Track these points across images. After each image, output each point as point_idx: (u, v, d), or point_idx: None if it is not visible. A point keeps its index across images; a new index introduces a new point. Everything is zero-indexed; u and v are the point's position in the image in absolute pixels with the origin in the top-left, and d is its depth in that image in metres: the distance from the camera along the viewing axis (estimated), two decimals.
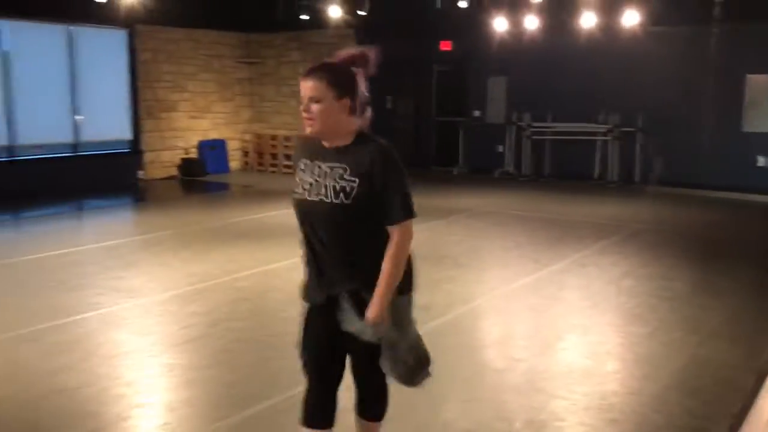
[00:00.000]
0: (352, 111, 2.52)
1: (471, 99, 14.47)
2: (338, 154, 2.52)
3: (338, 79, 2.49)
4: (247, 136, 15.04)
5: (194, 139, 14.01)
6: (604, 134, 12.61)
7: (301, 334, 2.68)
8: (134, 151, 13.06)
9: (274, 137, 14.76)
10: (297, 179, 2.59)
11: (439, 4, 10.83)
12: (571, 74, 12.50)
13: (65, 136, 12.06)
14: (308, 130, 2.51)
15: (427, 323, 4.80)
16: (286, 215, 9.35)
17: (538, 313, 5.47)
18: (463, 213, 9.61)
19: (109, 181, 12.11)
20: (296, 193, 2.56)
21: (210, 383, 4.13)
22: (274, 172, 14.47)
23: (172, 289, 5.97)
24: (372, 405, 2.76)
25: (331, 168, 2.50)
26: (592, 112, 12.68)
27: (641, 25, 10.78)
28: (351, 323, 2.51)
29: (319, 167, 2.53)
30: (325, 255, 2.54)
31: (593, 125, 12.69)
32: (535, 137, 13.47)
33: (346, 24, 12.85)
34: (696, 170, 11.64)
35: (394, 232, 2.49)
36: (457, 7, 11.05)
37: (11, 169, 11.18)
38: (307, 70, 2.52)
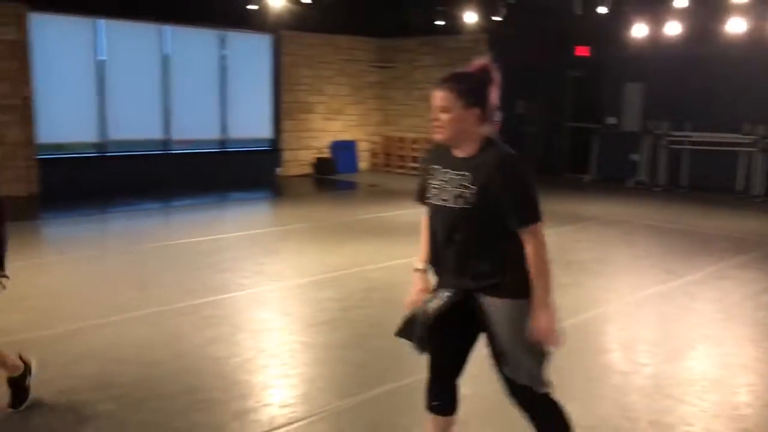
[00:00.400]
0: (481, 120, 2.61)
1: (606, 105, 14.17)
2: (464, 162, 2.62)
3: (467, 89, 2.57)
4: (376, 138, 15.52)
5: (327, 140, 14.65)
6: (749, 146, 11.96)
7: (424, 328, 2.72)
8: (274, 149, 13.85)
9: (401, 140, 15.15)
10: (428, 184, 2.72)
11: (579, 10, 10.68)
12: (714, 82, 11.98)
13: (214, 133, 13.00)
14: (437, 138, 2.64)
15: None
16: (410, 215, 9.70)
17: (668, 322, 5.38)
18: (594, 220, 9.49)
19: (251, 176, 12.95)
20: (428, 197, 2.72)
21: (343, 362, 4.44)
22: (400, 173, 14.83)
23: (309, 276, 6.39)
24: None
25: (457, 175, 2.61)
26: (735, 122, 12.07)
27: None
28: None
29: (447, 173, 2.65)
30: (445, 255, 2.70)
31: (737, 136, 12.07)
32: (672, 146, 13.00)
33: (480, 29, 12.98)
34: None
35: (525, 237, 2.57)
36: (596, 12, 10.86)
37: (165, 161, 12.21)
38: (440, 80, 2.62)
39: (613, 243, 8.34)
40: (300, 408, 3.75)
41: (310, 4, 11.12)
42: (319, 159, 14.35)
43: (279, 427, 3.51)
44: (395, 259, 7.13)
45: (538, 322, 2.58)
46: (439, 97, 2.58)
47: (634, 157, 13.60)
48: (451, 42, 14.33)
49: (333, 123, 14.74)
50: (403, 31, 14.60)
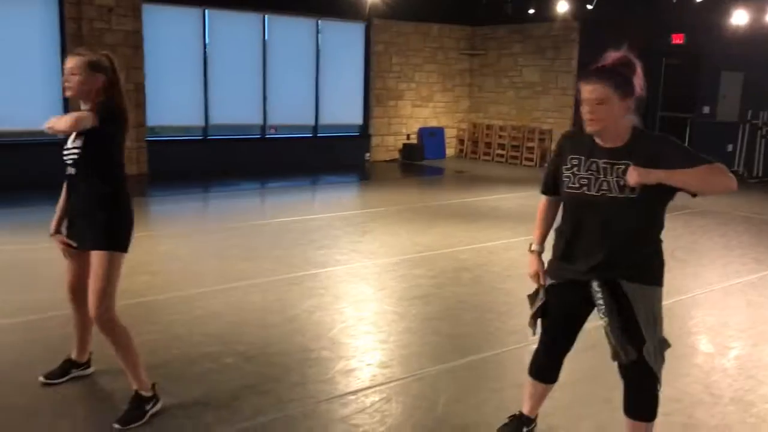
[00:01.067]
0: (631, 110, 2.74)
1: (700, 95, 13.86)
2: (619, 151, 2.70)
3: (621, 82, 2.67)
4: (464, 125, 15.72)
5: (415, 126, 14.97)
6: None
7: (542, 305, 2.99)
8: (364, 135, 14.29)
9: (489, 127, 15.30)
10: (568, 174, 2.81)
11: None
12: None
13: (308, 119, 13.55)
14: (589, 129, 2.71)
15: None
16: (496, 200, 9.90)
17: (756, 309, 5.45)
18: (685, 210, 9.42)
19: (342, 160, 13.45)
20: (571, 187, 2.80)
21: (436, 333, 4.77)
22: (487, 160, 15.01)
23: (402, 255, 6.76)
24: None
25: (612, 164, 2.69)
26: None
27: None
28: (604, 315, 2.80)
29: (596, 164, 2.73)
30: (592, 242, 2.78)
31: None
32: None
33: (571, 17, 12.94)
34: None
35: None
36: (693, 0, 10.68)
37: (262, 145, 12.86)
38: (588, 73, 2.71)
39: (703, 232, 8.30)
40: (397, 369, 4.11)
41: None
42: (406, 145, 14.70)
43: (379, 384, 3.89)
44: (483, 242, 7.40)
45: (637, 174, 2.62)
46: (594, 89, 2.66)
47: (730, 147, 13.28)
48: (540, 30, 14.35)
49: (421, 110, 15.04)
50: (493, 19, 14.70)
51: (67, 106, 10.66)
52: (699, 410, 3.69)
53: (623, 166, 2.67)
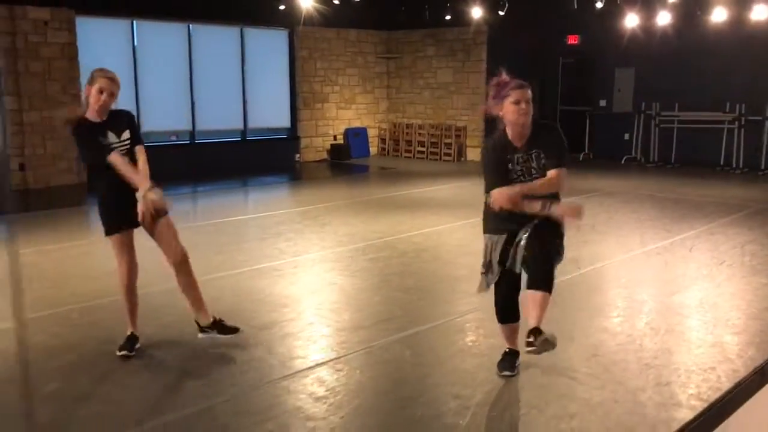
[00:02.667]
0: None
1: (597, 89, 15.33)
2: (529, 143, 3.80)
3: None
4: (384, 125, 16.57)
5: (341, 127, 15.68)
6: (731, 123, 13.19)
7: (496, 257, 3.88)
8: (292, 137, 14.86)
9: (408, 125, 16.23)
10: (506, 167, 3.81)
11: (575, 5, 11.77)
12: (699, 66, 13.17)
13: (237, 123, 13.98)
14: (521, 121, 3.75)
15: (578, 271, 6.06)
16: (430, 191, 10.76)
17: (671, 267, 6.53)
18: (596, 192, 10.62)
19: (273, 162, 13.95)
20: (515, 176, 3.81)
21: (411, 302, 5.52)
22: (408, 157, 15.91)
23: (364, 241, 7.47)
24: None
25: (529, 154, 3.81)
26: (718, 102, 13.29)
27: None
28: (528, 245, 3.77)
29: (520, 156, 3.82)
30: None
31: (720, 114, 13.29)
32: (663, 125, 14.20)
33: (480, 22, 13.98)
34: None
35: (559, 173, 3.78)
36: (593, 5, 11.95)
37: (192, 150, 13.14)
38: (520, 84, 3.78)
39: (616, 209, 9.47)
40: (403, 322, 4.83)
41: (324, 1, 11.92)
42: (333, 145, 15.38)
43: (395, 334, 4.60)
44: (430, 227, 8.23)
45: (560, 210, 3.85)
46: (526, 92, 3.77)
47: (626, 136, 14.83)
48: (452, 34, 15.39)
49: (345, 111, 15.76)
50: (407, 24, 15.59)
51: (2, 117, 10.73)
52: (643, 339, 4.64)
53: (536, 153, 3.81)
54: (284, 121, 14.79)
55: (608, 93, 15.26)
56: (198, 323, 4.50)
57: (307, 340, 4.70)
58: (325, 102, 15.31)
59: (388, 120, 16.65)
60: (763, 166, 12.97)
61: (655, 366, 4.21)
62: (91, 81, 4.29)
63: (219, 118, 13.70)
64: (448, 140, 15.51)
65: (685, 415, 3.57)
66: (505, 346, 4.15)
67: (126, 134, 4.35)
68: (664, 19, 12.56)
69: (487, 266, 3.95)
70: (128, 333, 4.46)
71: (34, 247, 7.23)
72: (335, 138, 15.56)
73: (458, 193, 11.17)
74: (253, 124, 14.24)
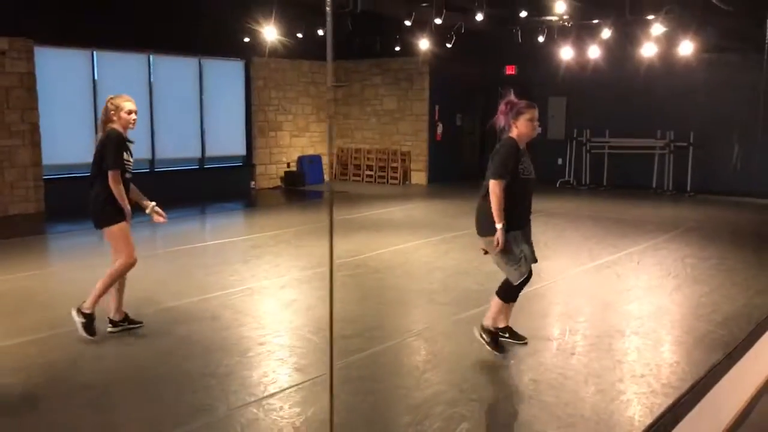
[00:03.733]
0: None
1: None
2: (527, 148, 4.79)
3: None
4: (334, 151, 17.08)
5: (295, 155, 16.09)
6: (661, 149, 14.33)
7: (520, 250, 4.71)
8: (247, 164, 15.17)
9: (357, 150, 16.81)
10: (520, 167, 4.68)
11: (519, 39, 12.65)
12: (630, 96, 14.29)
13: (195, 152, 14.21)
14: (534, 134, 4.78)
15: (539, 284, 6.70)
16: (387, 213, 11.33)
17: (623, 279, 7.25)
18: (539, 213, 11.32)
19: (228, 189, 14.22)
20: (524, 174, 4.72)
21: (392, 307, 6.02)
22: (357, 180, 16.47)
23: (340, 259, 7.90)
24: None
25: (528, 157, 4.78)
26: (649, 129, 14.43)
27: (695, 53, 12.43)
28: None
29: (526, 159, 4.77)
30: (527, 204, 4.83)
31: (651, 141, 14.42)
32: (593, 151, 15.24)
33: (424, 53, 14.67)
34: (736, 179, 13.35)
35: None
36: (531, 38, 12.83)
37: (151, 178, 13.27)
38: (532, 104, 4.74)
39: (562, 228, 10.24)
40: (396, 327, 5.31)
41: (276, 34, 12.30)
42: (287, 172, 15.76)
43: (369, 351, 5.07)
44: (395, 246, 8.79)
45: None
46: (536, 111, 4.78)
47: (560, 161, 15.85)
48: (397, 63, 16.12)
49: (299, 139, 16.19)
50: (355, 54, 16.19)
51: None
52: (611, 341, 5.28)
53: (529, 156, 4.84)
54: (240, 149, 15.10)
55: (542, 120, 16.22)
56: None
57: (342, 338, 5.12)
58: (279, 130, 15.71)
59: (337, 146, 17.17)
60: (689, 188, 14.13)
61: (627, 362, 4.84)
62: (117, 107, 5.12)
63: (178, 146, 13.90)
64: (394, 164, 16.16)
65: (663, 401, 4.18)
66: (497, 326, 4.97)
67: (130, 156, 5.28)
68: (594, 53, 13.58)
69: (521, 259, 4.75)
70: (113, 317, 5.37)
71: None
72: (288, 165, 15.95)
73: (411, 214, 11.78)
74: (210, 152, 14.49)
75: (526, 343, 5.03)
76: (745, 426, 4.74)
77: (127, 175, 5.23)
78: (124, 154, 5.15)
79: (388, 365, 4.85)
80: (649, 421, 3.90)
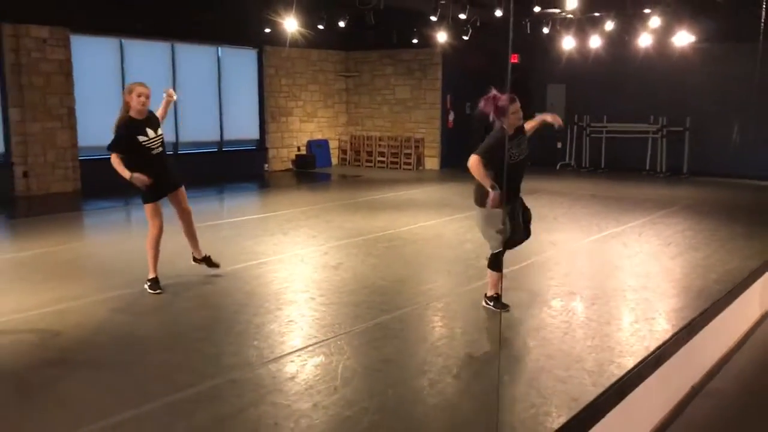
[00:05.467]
0: None
1: (532, 103, 17.14)
2: (516, 132, 5.39)
3: None
4: (345, 137, 17.84)
5: (304, 139, 16.84)
6: (654, 133, 15.22)
7: (509, 222, 5.43)
8: (261, 148, 15.91)
9: (368, 137, 17.57)
10: (508, 154, 5.33)
11: (528, 30, 13.44)
12: (626, 83, 15.16)
13: (214, 135, 14.93)
14: (517, 123, 5.39)
15: (555, 250, 7.52)
16: (406, 194, 12.20)
17: (629, 247, 8.10)
18: (543, 192, 12.21)
19: (244, 172, 14.96)
20: (512, 159, 5.39)
21: (435, 270, 6.84)
22: (369, 166, 17.23)
23: (372, 233, 8.72)
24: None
25: (520, 139, 5.44)
26: (643, 114, 15.32)
27: (690, 43, 13.29)
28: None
29: (514, 142, 5.40)
30: (516, 185, 5.52)
31: (645, 125, 15.32)
32: (593, 135, 16.12)
33: (434, 44, 15.41)
34: (730, 161, 14.27)
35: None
36: (535, 28, 13.63)
37: (177, 160, 13.99)
38: (512, 98, 5.34)
39: (567, 206, 11.08)
40: (445, 283, 6.12)
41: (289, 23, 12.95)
42: (298, 156, 16.51)
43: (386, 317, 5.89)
44: (423, 222, 9.57)
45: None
46: (518, 104, 5.37)
47: (559, 144, 16.73)
48: (409, 55, 16.86)
49: (308, 124, 16.94)
50: (365, 45, 16.93)
51: (8, 127, 11.38)
52: (625, 293, 6.13)
53: (521, 137, 5.47)
54: (254, 133, 15.83)
55: (542, 106, 17.09)
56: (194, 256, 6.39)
57: (396, 293, 5.92)
58: (289, 116, 16.44)
59: (348, 132, 17.92)
60: (685, 170, 15.04)
61: (639, 309, 5.68)
62: (129, 91, 5.87)
63: (198, 130, 14.60)
64: (407, 150, 16.93)
65: (670, 335, 5.03)
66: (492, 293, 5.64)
67: (160, 130, 6.05)
68: (595, 42, 14.40)
69: (504, 229, 5.40)
70: (151, 276, 6.02)
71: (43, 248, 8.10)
72: (299, 149, 16.70)
73: (430, 195, 12.58)
74: (228, 136, 15.20)
75: (507, 310, 5.57)
76: (741, 352, 5.64)
77: (153, 152, 5.95)
78: (139, 136, 5.83)
79: (443, 313, 5.67)
80: (655, 345, 4.75)
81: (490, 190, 5.25)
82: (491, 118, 5.39)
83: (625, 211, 10.52)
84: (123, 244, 8.25)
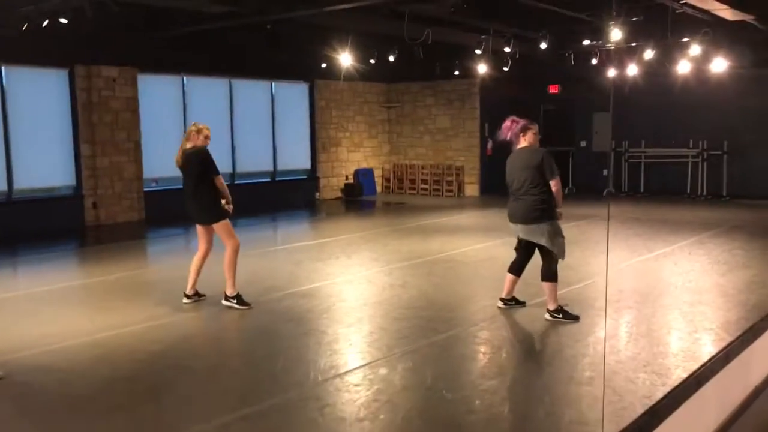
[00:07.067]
0: None
1: (578, 131, 17.57)
2: None
3: None
4: (387, 166, 18.42)
5: (351, 168, 17.46)
6: (695, 157, 15.51)
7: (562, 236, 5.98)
8: (312, 177, 16.54)
9: (411, 166, 18.13)
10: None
11: (572, 62, 13.90)
12: (666, 109, 15.53)
13: (268, 166, 15.61)
14: (537, 145, 6.10)
15: (609, 269, 7.91)
16: (454, 219, 12.73)
17: (680, 265, 8.44)
18: (590, 218, 12.57)
19: (297, 200, 15.57)
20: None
21: (494, 289, 7.26)
22: (412, 193, 17.75)
23: (429, 256, 9.19)
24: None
25: None
26: (683, 138, 15.65)
27: (728, 68, 13.64)
28: None
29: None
30: None
31: (685, 149, 15.62)
32: (631, 161, 16.46)
33: (474, 74, 15.90)
34: None
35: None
36: (581, 60, 14.10)
37: (234, 189, 14.63)
38: (532, 122, 6.13)
39: (614, 229, 11.43)
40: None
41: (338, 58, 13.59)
42: (347, 184, 17.12)
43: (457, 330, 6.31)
44: (474, 245, 10.01)
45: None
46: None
47: (605, 172, 17.09)
48: (448, 86, 17.45)
49: (354, 154, 17.56)
50: (407, 77, 17.53)
51: (79, 162, 12.12)
52: (682, 306, 6.48)
53: None
54: (305, 163, 16.48)
55: (589, 134, 17.52)
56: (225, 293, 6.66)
57: (463, 308, 6.36)
58: (338, 146, 17.08)
59: (390, 161, 18.50)
60: (725, 193, 15.28)
61: (697, 320, 6.04)
62: (198, 131, 6.67)
63: (253, 161, 15.30)
64: (449, 178, 17.43)
65: (721, 344, 5.38)
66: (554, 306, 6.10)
67: None
68: (633, 70, 14.81)
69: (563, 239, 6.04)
70: (235, 293, 6.62)
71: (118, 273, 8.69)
72: (347, 178, 17.31)
73: (476, 221, 13.02)
74: (281, 166, 15.88)
75: (578, 320, 6.04)
76: None
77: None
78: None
79: (512, 324, 6.10)
80: (715, 351, 5.11)
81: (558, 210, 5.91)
82: (508, 138, 6.19)
83: (672, 232, 10.84)
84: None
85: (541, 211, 5.97)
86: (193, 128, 6.69)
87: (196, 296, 6.84)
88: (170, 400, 4.56)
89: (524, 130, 6.13)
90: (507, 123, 6.21)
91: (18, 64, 11.41)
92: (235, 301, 6.58)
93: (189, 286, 6.81)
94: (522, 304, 6.52)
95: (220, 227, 6.63)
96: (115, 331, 5.94)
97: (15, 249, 10.31)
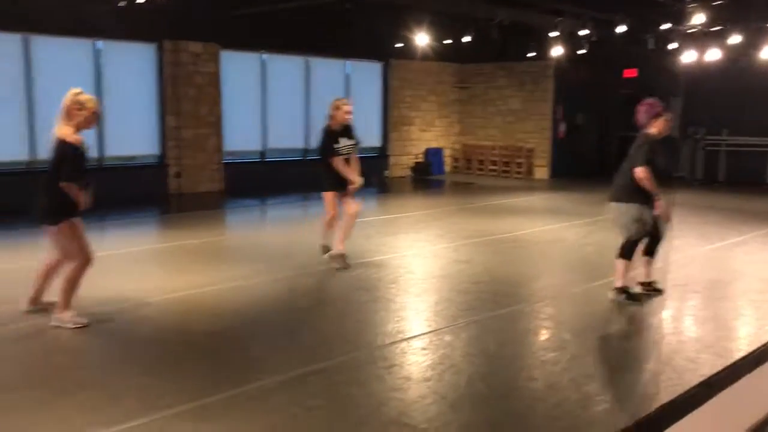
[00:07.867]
0: None
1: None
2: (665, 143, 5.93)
3: None
4: (457, 146, 18.54)
5: (422, 147, 17.66)
6: None
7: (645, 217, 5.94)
8: (382, 155, 16.84)
9: (481, 147, 18.19)
10: (657, 159, 5.84)
11: (652, 45, 13.63)
12: (749, 95, 15.05)
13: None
14: (669, 132, 5.95)
15: (679, 254, 7.89)
16: (525, 201, 12.73)
17: (752, 254, 8.35)
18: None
19: (367, 177, 15.83)
20: (661, 165, 5.87)
21: (560, 269, 7.39)
22: (481, 174, 17.83)
23: (497, 234, 9.36)
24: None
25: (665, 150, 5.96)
26: (763, 127, 15.17)
27: None
28: None
29: (661, 151, 5.93)
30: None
31: (766, 139, 15.16)
32: (708, 148, 16.06)
33: (547, 56, 15.77)
34: None
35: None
36: (662, 44, 13.81)
37: (306, 166, 15.10)
38: (666, 108, 5.94)
39: (687, 215, 11.19)
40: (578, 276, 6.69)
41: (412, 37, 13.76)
42: (417, 163, 17.34)
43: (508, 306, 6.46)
44: (543, 227, 10.10)
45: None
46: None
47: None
48: (521, 67, 17.36)
49: (426, 133, 17.75)
50: (479, 57, 17.51)
51: (164, 133, 12.75)
52: (748, 294, 6.47)
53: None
54: (376, 141, 16.79)
55: None
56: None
57: (527, 285, 6.56)
58: (410, 125, 17.31)
59: (460, 142, 18.60)
60: None
61: (764, 307, 6.04)
62: (336, 107, 7.15)
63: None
64: (519, 160, 17.43)
65: None
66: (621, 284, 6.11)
67: (352, 140, 7.31)
68: (713, 55, 14.38)
69: (644, 224, 5.94)
70: (340, 252, 7.11)
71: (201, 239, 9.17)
72: (416, 156, 17.54)
73: (545, 203, 13.05)
74: None
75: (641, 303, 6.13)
76: None
77: (345, 157, 7.23)
78: (339, 141, 7.14)
79: (581, 303, 6.26)
80: None
81: (657, 198, 5.82)
82: (641, 122, 5.98)
83: (746, 222, 10.64)
84: (272, 236, 9.28)
85: (621, 192, 6.10)
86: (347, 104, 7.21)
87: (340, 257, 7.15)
88: (251, 353, 4.95)
89: (657, 116, 5.92)
90: (644, 106, 6.00)
91: (112, 38, 12.07)
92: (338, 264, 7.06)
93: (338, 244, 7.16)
94: (659, 292, 6.35)
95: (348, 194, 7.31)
96: (200, 290, 6.40)
97: (104, 212, 11.02)
